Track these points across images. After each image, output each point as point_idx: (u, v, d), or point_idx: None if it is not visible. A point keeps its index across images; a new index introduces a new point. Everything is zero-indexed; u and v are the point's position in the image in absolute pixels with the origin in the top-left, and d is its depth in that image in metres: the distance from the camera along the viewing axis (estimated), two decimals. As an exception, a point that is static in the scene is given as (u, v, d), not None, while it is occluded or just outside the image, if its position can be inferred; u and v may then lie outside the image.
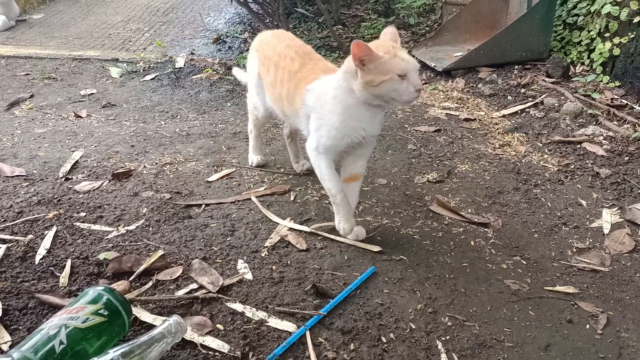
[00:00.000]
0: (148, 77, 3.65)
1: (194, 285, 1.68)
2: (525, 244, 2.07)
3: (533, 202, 2.33)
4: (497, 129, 2.97)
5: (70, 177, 2.35)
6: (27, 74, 3.64)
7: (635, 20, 3.17)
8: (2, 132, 2.77)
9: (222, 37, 4.43)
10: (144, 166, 2.49)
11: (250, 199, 2.26)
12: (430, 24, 4.58)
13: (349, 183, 2.03)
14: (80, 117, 3.04)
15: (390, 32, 1.85)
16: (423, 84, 3.58)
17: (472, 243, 2.05)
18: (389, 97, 1.72)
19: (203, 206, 2.19)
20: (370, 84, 1.69)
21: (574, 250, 2.04)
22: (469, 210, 2.27)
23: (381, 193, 2.37)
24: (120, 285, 1.61)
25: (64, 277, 1.66)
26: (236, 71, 2.74)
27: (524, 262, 1.96)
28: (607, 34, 3.38)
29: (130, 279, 1.67)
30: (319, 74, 1.94)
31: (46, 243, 1.84)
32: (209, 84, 3.61)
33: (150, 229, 2.00)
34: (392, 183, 2.46)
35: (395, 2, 5.00)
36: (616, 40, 3.30)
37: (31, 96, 3.31)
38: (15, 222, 1.98)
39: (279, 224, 2.09)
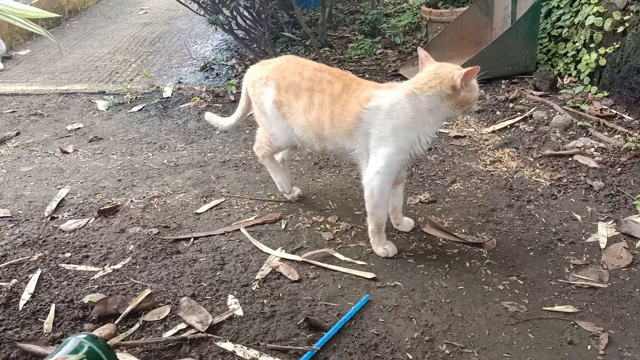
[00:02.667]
0: (135, 109, 3.63)
1: (182, 325, 1.64)
2: (521, 263, 2.03)
3: (527, 219, 2.30)
4: (488, 145, 2.95)
5: (55, 215, 2.31)
6: (13, 112, 3.61)
7: (619, 30, 3.18)
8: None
9: (209, 65, 4.43)
10: (131, 201, 2.45)
11: (239, 229, 2.22)
12: (416, 43, 4.59)
13: (397, 186, 2.13)
14: (67, 152, 3.00)
15: (425, 54, 2.12)
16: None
17: (468, 264, 2.01)
18: (470, 109, 2.02)
19: (192, 240, 2.15)
20: (468, 101, 1.91)
21: (571, 267, 2.00)
22: (463, 230, 2.23)
23: (373, 217, 2.33)
24: (105, 330, 1.56)
25: (48, 323, 1.62)
26: (209, 116, 2.54)
27: (521, 282, 1.92)
28: (592, 45, 3.39)
29: (116, 321, 1.62)
30: (372, 91, 1.97)
31: (30, 287, 1.79)
32: (197, 113, 3.58)
33: (137, 266, 1.96)
34: (383, 206, 2.42)
35: (380, 22, 5.02)
36: (602, 50, 3.30)
37: (17, 134, 3.28)
38: (-1, 266, 1.93)
39: (270, 254, 2.05)
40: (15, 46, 5.09)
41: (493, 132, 3.09)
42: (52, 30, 5.64)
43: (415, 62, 4.06)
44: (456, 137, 3.07)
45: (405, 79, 3.89)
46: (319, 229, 2.24)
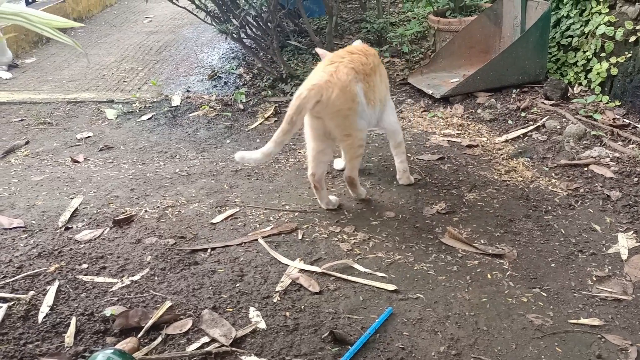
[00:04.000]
0: (145, 117, 3.62)
1: (205, 339, 1.61)
2: (543, 275, 2.01)
3: (546, 230, 2.28)
4: (501, 155, 2.94)
5: (70, 226, 2.28)
6: (22, 120, 3.59)
7: (631, 39, 3.18)
8: (-2, 182, 2.71)
9: (217, 73, 4.42)
10: (146, 210, 2.43)
11: (256, 240, 2.20)
12: (423, 51, 4.59)
13: None
14: (78, 161, 2.98)
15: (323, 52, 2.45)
16: (422, 112, 3.56)
17: (489, 276, 1.99)
18: None
19: (209, 250, 2.13)
20: None
21: (594, 279, 1.98)
22: (482, 241, 2.21)
23: (390, 227, 2.32)
24: (128, 344, 1.53)
25: (69, 337, 1.59)
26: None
27: (544, 294, 1.90)
28: (603, 54, 3.39)
29: (139, 335, 1.60)
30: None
31: (49, 299, 1.76)
32: (207, 121, 3.57)
33: (156, 278, 1.93)
34: (400, 215, 2.40)
35: (387, 31, 5.02)
36: (613, 60, 3.30)
37: (27, 142, 3.25)
38: (16, 277, 1.90)
39: (288, 265, 2.02)
40: (21, 54, 5.07)
41: (506, 141, 3.08)
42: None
43: (424, 70, 4.06)
44: (469, 146, 3.05)
45: (415, 88, 3.91)
46: (336, 239, 2.22)
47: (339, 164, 2.81)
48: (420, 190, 2.63)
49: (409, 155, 3.00)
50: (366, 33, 5.17)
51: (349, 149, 2.34)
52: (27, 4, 6.17)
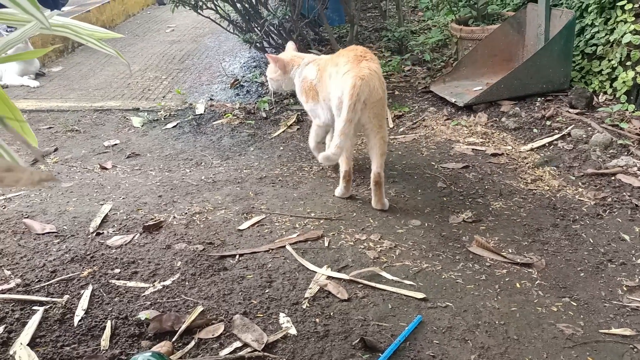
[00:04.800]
0: (170, 125, 3.67)
1: (237, 344, 1.63)
2: (572, 284, 2.00)
3: (574, 239, 2.27)
4: (527, 163, 2.93)
5: (101, 231, 2.33)
6: (50, 128, 3.67)
7: (658, 48, 3.16)
8: (30, 188, 2.77)
9: (239, 82, 4.47)
10: (174, 217, 2.47)
11: (284, 246, 2.22)
12: (445, 60, 4.60)
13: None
14: (106, 168, 3.04)
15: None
16: (445, 120, 3.57)
17: (518, 285, 1.98)
18: None
19: (237, 256, 2.15)
20: None
21: (624, 288, 1.96)
22: (510, 250, 2.20)
23: (417, 235, 2.32)
24: (163, 347, 1.56)
25: (105, 340, 1.62)
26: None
27: (574, 304, 1.89)
28: (628, 63, 3.36)
29: (173, 339, 1.62)
30: None
31: (83, 303, 1.80)
32: (230, 129, 3.61)
33: (187, 283, 1.96)
34: (426, 224, 2.41)
35: (408, 39, 5.04)
36: (639, 68, 3.28)
37: (55, 150, 3.32)
38: (50, 281, 1.94)
39: (316, 272, 2.04)
40: (47, 63, 5.18)
41: (531, 150, 3.06)
42: (82, 48, 5.74)
43: (446, 78, 4.07)
44: (493, 154, 3.05)
45: (437, 96, 3.92)
46: (362, 247, 2.23)
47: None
48: (445, 199, 2.63)
49: (432, 163, 3.01)
50: (387, 41, 5.19)
51: (382, 142, 2.49)
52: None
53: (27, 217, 2.44)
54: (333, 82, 2.47)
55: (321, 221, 2.44)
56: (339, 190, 2.66)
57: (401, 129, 3.50)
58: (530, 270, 2.07)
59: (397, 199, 2.63)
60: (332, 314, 1.80)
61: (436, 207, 2.56)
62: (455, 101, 3.68)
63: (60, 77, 4.81)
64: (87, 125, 3.71)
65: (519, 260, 2.11)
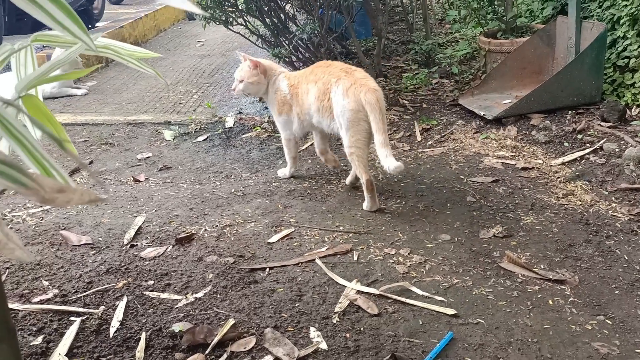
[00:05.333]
0: (200, 138, 3.74)
1: (269, 357, 1.65)
2: (607, 302, 1.96)
3: (608, 255, 2.23)
4: (558, 178, 2.89)
5: (135, 243, 2.38)
6: (85, 141, 3.77)
7: (693, 60, 3.09)
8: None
9: (267, 95, 4.53)
10: (205, 229, 2.51)
11: (313, 260, 2.24)
12: (473, 72, 4.58)
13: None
14: (139, 181, 3.11)
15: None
16: (474, 133, 3.55)
17: (551, 302, 1.95)
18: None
19: (267, 270, 2.18)
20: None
21: (662, 307, 1.92)
22: (542, 266, 2.18)
23: (446, 250, 2.31)
24: (197, 360, 1.58)
25: (139, 352, 1.65)
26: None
27: (609, 322, 1.85)
28: (662, 75, 3.30)
29: (206, 352, 1.65)
30: None
31: (119, 315, 1.84)
32: (259, 142, 3.66)
33: (218, 295, 1.99)
34: (456, 239, 2.40)
35: (435, 52, 5.04)
36: (674, 80, 3.22)
37: (90, 162, 3.41)
38: (87, 292, 2.00)
39: (345, 286, 2.05)
40: (82, 78, 5.34)
41: (562, 164, 3.03)
42: (115, 63, 5.89)
43: (474, 91, 4.05)
44: (524, 168, 3.02)
45: (465, 109, 3.91)
46: (391, 261, 2.23)
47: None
48: (475, 213, 2.61)
49: (461, 177, 2.99)
50: (414, 54, 5.20)
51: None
52: (88, 29, 6.50)
53: (63, 229, 2.51)
54: (319, 96, 2.69)
55: (350, 235, 2.45)
56: (366, 204, 2.67)
57: (429, 142, 3.50)
58: (563, 287, 2.04)
59: (426, 213, 2.62)
60: (362, 329, 1.81)
61: (466, 221, 2.54)
62: (484, 114, 3.66)
63: (95, 91, 4.94)
64: (121, 139, 3.80)
65: (551, 277, 2.08)
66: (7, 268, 2.19)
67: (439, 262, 2.22)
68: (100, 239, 2.44)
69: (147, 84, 5.08)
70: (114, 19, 7.22)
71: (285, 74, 2.94)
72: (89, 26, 6.69)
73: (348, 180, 2.93)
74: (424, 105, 4.11)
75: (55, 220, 2.62)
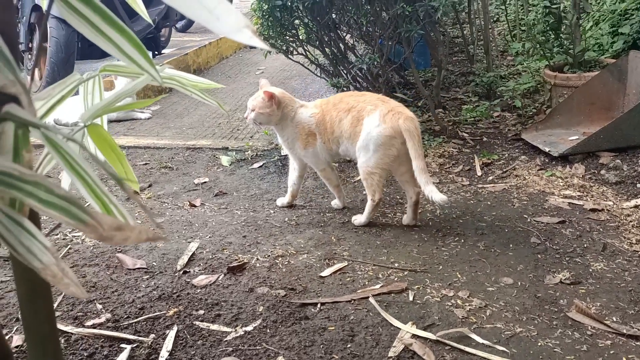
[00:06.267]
0: (256, 165, 3.76)
1: (319, 401, 1.57)
2: (691, 364, 1.77)
3: (691, 311, 2.03)
4: (631, 222, 2.70)
5: (187, 270, 2.38)
6: (146, 164, 3.87)
7: None
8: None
9: (323, 124, 4.53)
10: (257, 258, 2.48)
11: (366, 298, 2.16)
12: (537, 107, 4.42)
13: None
14: (195, 206, 3.14)
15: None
16: (538, 170, 3.39)
17: (625, 360, 1.79)
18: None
19: (319, 305, 2.12)
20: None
21: None
22: (614, 319, 2.01)
23: (509, 294, 2.18)
24: (244, 399, 1.53)
25: (187, 385, 1.62)
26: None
27: (695, 388, 1.67)
28: None
29: (254, 391, 1.59)
30: None
31: (168, 344, 1.82)
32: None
33: (268, 330, 1.94)
34: (519, 283, 2.26)
35: (497, 84, 4.91)
36: None
37: (150, 185, 3.49)
38: (138, 319, 2.00)
39: (400, 329, 1.95)
40: (146, 102, 5.53)
41: (636, 207, 2.83)
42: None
43: (539, 126, 3.89)
44: (592, 210, 2.84)
45: (529, 144, 3.75)
46: (449, 304, 2.12)
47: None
48: (540, 256, 2.46)
49: (525, 216, 2.85)
50: (474, 86, 5.09)
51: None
52: (153, 56, 6.79)
53: (120, 252, 2.54)
54: (353, 123, 2.73)
55: (405, 273, 2.36)
56: (362, 218, 2.82)
57: (490, 178, 3.37)
58: (638, 343, 1.87)
59: (486, 253, 2.50)
60: (417, 376, 1.71)
61: (530, 264, 2.40)
62: (549, 150, 3.50)
63: (157, 115, 5.10)
64: (180, 163, 3.88)
65: (625, 331, 1.91)
66: (65, 288, 2.23)
67: (500, 307, 2.09)
68: (154, 263, 2.45)
69: (207, 110, 5.20)
70: (179, 46, 7.49)
71: (304, 106, 2.95)
72: (156, 53, 6.95)
73: (406, 220, 2.84)
74: (485, 139, 3.98)
75: (113, 242, 2.66)
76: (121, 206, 0.77)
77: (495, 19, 7.22)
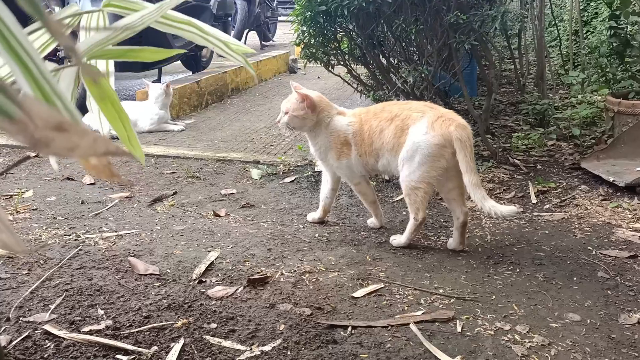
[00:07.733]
0: (287, 180, 3.51)
1: None
2: None
3: None
4: None
5: (203, 279, 2.11)
6: (173, 172, 3.67)
7: None
8: (142, 227, 2.68)
9: (362, 144, 4.28)
10: (282, 273, 2.20)
11: (406, 324, 1.84)
12: (597, 136, 4.06)
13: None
14: (219, 216, 2.89)
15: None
16: (601, 200, 3.03)
17: None
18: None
19: (350, 328, 1.81)
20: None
21: None
22: None
23: (576, 333, 1.83)
24: None
25: (186, 409, 1.33)
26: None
27: None
28: None
29: (266, 422, 1.29)
30: None
31: (171, 359, 1.54)
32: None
33: (289, 352, 1.64)
34: (588, 320, 1.90)
35: (550, 112, 4.58)
36: None
37: (174, 193, 3.27)
38: (141, 328, 1.73)
39: (446, 363, 1.62)
40: (182, 116, 5.40)
41: None
42: (215, 105, 5.97)
43: (600, 155, 3.54)
44: (669, 245, 2.46)
45: (589, 173, 3.39)
46: (505, 339, 1.78)
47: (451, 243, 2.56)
48: (610, 292, 2.10)
49: (589, 248, 2.49)
50: (525, 114, 4.78)
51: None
52: (192, 73, 6.74)
53: (133, 256, 2.31)
54: (396, 133, 2.44)
55: (452, 300, 2.03)
56: (402, 239, 2.53)
57: (547, 206, 3.02)
58: None
59: (547, 285, 2.15)
60: (468, 422, 1.37)
61: (599, 301, 2.04)
62: (613, 180, 3.14)
63: (191, 128, 4.95)
64: (208, 173, 3.67)
65: None
66: (66, 290, 1.99)
67: (567, 347, 1.74)
68: (168, 270, 2.20)
69: (241, 126, 5.02)
70: (219, 65, 7.44)
71: (342, 113, 2.69)
72: (191, 72, 6.93)
73: (452, 243, 2.51)
74: (539, 167, 3.64)
75: (127, 246, 2.43)
76: (72, 105, 0.52)
77: (545, 54, 6.91)
